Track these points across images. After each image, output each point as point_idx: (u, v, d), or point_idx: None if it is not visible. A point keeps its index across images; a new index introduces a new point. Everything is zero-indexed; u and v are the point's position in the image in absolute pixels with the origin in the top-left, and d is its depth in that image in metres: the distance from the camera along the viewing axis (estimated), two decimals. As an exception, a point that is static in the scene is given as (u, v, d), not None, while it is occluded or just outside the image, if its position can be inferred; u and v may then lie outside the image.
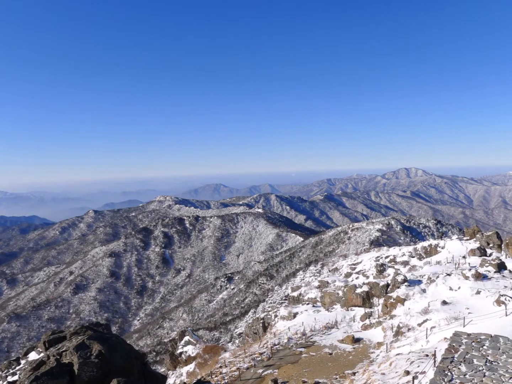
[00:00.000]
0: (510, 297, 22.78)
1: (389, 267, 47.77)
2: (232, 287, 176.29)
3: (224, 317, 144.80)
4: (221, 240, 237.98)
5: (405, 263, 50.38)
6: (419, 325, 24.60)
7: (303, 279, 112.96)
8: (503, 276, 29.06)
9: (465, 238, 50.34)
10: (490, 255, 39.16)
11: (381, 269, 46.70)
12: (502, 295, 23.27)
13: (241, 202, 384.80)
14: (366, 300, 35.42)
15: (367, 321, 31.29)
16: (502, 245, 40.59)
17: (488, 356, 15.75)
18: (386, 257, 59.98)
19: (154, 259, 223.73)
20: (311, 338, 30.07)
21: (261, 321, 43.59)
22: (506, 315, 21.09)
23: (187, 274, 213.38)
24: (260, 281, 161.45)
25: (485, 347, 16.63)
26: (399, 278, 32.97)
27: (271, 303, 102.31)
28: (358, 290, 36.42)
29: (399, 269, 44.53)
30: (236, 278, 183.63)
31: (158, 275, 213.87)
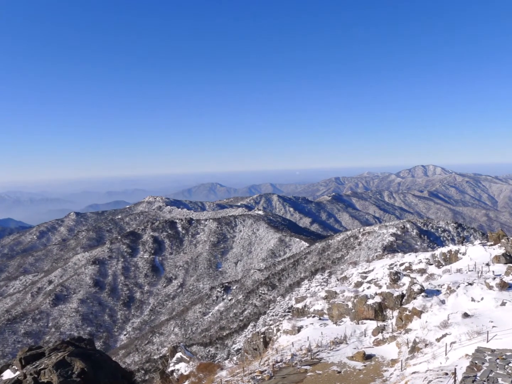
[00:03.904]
0: (539, 309, 22.78)
1: (404, 275, 47.76)
2: (229, 298, 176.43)
3: (221, 331, 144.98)
4: (217, 246, 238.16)
5: (422, 271, 50.39)
6: (438, 340, 24.60)
7: (309, 289, 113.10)
8: (532, 285, 29.06)
9: (488, 243, 50.34)
10: (517, 262, 39.18)
11: (395, 278, 46.73)
12: (530, 307, 23.29)
13: (239, 203, 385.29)
14: (379, 312, 35.42)
15: (379, 336, 31.30)
16: (530, 251, 40.62)
17: (514, 374, 15.78)
18: (401, 264, 60.07)
19: (143, 267, 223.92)
20: (318, 355, 30.06)
21: (262, 335, 43.58)
22: (535, 329, 21.10)
23: (179, 284, 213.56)
24: (260, 291, 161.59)
25: (511, 364, 16.65)
26: (415, 288, 32.96)
27: (272, 315, 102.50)
28: (370, 301, 36.42)
29: (415, 278, 44.53)
30: (234, 287, 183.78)
31: (147, 285, 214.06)
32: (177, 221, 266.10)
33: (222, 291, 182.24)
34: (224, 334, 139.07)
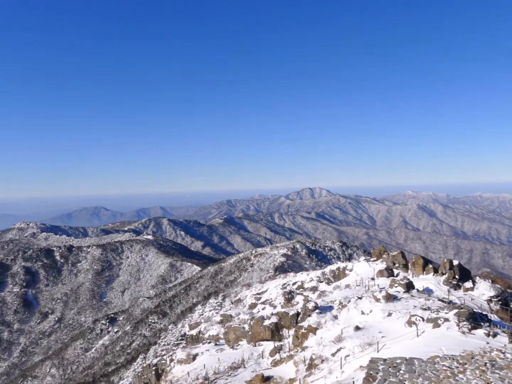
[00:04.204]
0: (420, 317, 25.06)
1: (298, 294, 49.55)
2: (115, 330, 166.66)
3: (106, 368, 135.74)
4: (102, 274, 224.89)
5: (314, 289, 52.78)
6: (333, 355, 25.62)
7: (202, 314, 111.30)
8: (412, 295, 32.04)
9: (372, 259, 54.65)
10: (397, 275, 43.02)
11: (289, 297, 48.23)
12: (412, 316, 25.50)
13: (126, 228, 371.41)
14: (275, 332, 35.97)
15: (277, 356, 31.69)
16: (409, 264, 44.90)
17: (405, 381, 16.95)
18: (294, 283, 62.31)
19: (12, 302, 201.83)
20: (215, 382, 29.53)
21: (154, 368, 41.65)
22: (418, 335, 23.09)
23: (56, 319, 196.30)
24: (150, 320, 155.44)
25: (401, 371, 17.89)
26: (310, 305, 34.16)
27: (164, 345, 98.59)
28: (266, 322, 36.84)
29: (308, 296, 46.44)
30: (121, 318, 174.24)
31: (18, 322, 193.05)
32: (54, 249, 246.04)
33: (107, 323, 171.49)
34: (110, 370, 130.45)
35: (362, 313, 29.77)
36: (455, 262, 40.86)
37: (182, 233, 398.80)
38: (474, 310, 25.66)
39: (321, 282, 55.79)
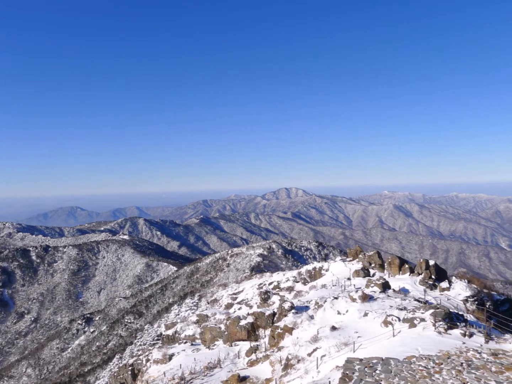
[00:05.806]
0: (396, 317, 24.82)
1: (274, 294, 49.11)
2: (91, 330, 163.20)
3: (82, 368, 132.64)
4: (78, 274, 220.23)
5: (290, 289, 52.39)
6: (309, 355, 25.20)
7: (178, 314, 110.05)
8: (388, 295, 31.88)
9: (348, 259, 54.57)
10: (373, 275, 42.96)
11: (265, 297, 47.73)
12: (389, 316, 25.25)
13: (102, 228, 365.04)
14: (252, 332, 35.38)
15: (253, 356, 31.12)
16: (385, 264, 44.90)
17: (381, 381, 16.58)
18: (270, 283, 61.85)
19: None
20: (191, 382, 28.84)
21: (130, 368, 40.48)
22: (394, 335, 22.82)
23: (32, 318, 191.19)
24: (126, 320, 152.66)
25: (377, 371, 17.52)
26: (286, 305, 33.70)
27: (140, 345, 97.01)
28: (242, 322, 36.24)
29: (284, 296, 46.01)
30: (97, 318, 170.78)
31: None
32: (30, 249, 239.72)
33: (84, 323, 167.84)
34: (86, 370, 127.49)
35: (338, 313, 29.44)
36: (431, 262, 40.99)
37: (158, 233, 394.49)
38: (450, 310, 25.55)
39: (297, 282, 55.48)
